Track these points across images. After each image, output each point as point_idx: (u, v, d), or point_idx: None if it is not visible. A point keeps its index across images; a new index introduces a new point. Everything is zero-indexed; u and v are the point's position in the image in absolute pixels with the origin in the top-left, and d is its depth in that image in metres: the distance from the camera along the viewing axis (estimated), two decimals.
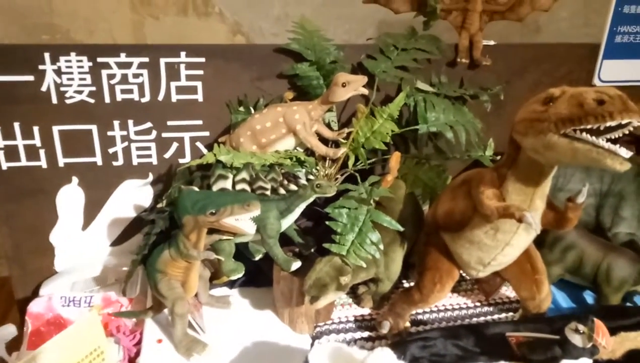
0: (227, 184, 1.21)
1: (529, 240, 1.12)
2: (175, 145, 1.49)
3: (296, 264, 1.21)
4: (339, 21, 2.09)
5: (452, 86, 1.61)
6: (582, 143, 0.90)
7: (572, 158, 0.93)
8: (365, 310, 1.35)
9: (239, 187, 1.21)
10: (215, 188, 1.20)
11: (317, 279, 1.11)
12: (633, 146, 0.96)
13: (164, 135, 1.47)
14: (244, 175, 1.21)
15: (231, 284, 1.42)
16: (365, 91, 1.31)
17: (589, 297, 1.41)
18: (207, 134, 1.50)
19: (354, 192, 1.22)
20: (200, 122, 1.48)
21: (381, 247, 1.16)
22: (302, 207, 1.25)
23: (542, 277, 1.21)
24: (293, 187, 1.23)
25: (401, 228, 1.19)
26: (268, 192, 1.22)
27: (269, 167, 1.27)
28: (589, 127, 0.89)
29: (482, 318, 1.34)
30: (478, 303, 1.39)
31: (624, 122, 0.87)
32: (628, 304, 1.35)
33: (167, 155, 1.49)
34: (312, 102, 1.33)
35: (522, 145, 1.02)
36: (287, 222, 1.26)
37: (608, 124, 0.87)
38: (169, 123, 1.46)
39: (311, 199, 1.24)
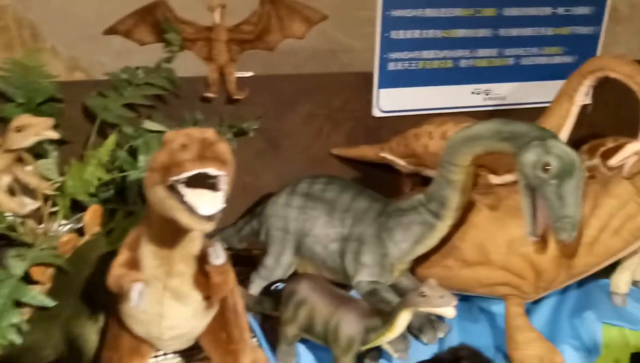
0: None
1: (189, 310, 0.95)
2: None
3: None
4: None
5: (210, 123, 1.46)
6: (174, 196, 0.76)
7: (164, 213, 0.78)
8: None
9: None
10: None
11: None
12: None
13: None
14: None
15: None
16: (54, 135, 1.14)
17: None
18: None
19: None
20: None
21: (23, 328, 0.97)
22: None
23: (238, 347, 1.04)
24: None
25: (50, 304, 1.00)
26: None
27: None
28: (176, 178, 0.75)
29: None
30: None
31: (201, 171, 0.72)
32: None
33: None
34: None
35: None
36: None
37: (184, 175, 0.73)
38: None
39: None
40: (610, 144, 1.47)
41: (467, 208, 1.30)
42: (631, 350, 1.36)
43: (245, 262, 1.46)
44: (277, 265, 1.36)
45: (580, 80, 1.23)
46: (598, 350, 1.32)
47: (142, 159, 1.25)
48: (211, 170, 0.73)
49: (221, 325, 1.04)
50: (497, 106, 1.70)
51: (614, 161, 1.19)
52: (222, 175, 0.75)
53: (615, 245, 1.22)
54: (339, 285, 1.29)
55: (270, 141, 1.57)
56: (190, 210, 0.74)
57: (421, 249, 1.25)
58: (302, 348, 1.28)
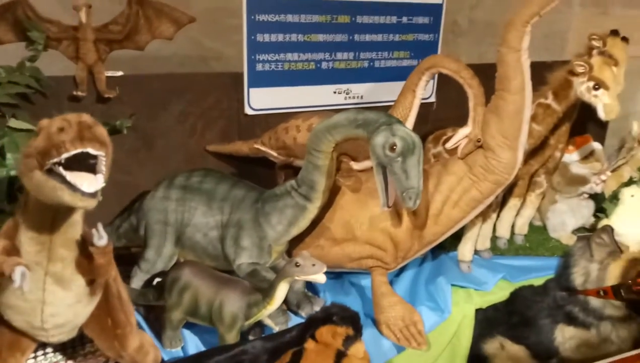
0: None
1: (71, 295, 0.97)
2: None
3: None
4: None
5: None
6: (54, 178, 0.79)
7: (44, 197, 0.80)
8: None
9: None
10: None
11: None
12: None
13: None
14: None
15: None
16: None
17: None
18: None
19: None
20: None
21: None
22: None
23: (124, 330, 1.07)
24: None
25: None
26: None
27: None
28: (56, 160, 0.78)
29: None
30: None
31: (81, 151, 0.77)
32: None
33: None
34: None
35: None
36: None
37: (64, 156, 0.77)
38: None
39: None
40: (450, 133, 1.71)
41: (334, 192, 1.45)
42: (475, 306, 1.61)
43: (125, 261, 1.46)
44: (158, 257, 1.39)
45: (419, 76, 1.43)
46: (449, 309, 1.53)
47: (10, 157, 1.21)
48: (91, 150, 0.77)
49: (106, 311, 1.05)
50: (356, 104, 1.88)
51: (449, 144, 1.41)
52: (102, 155, 0.79)
53: (456, 215, 1.44)
54: (222, 271, 1.36)
55: (144, 140, 1.59)
56: (73, 187, 0.77)
57: (295, 230, 1.37)
58: (187, 333, 1.33)
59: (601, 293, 1.39)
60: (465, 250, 1.70)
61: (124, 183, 1.56)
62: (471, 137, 1.37)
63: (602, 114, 1.47)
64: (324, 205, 1.41)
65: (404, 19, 1.86)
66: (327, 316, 1.04)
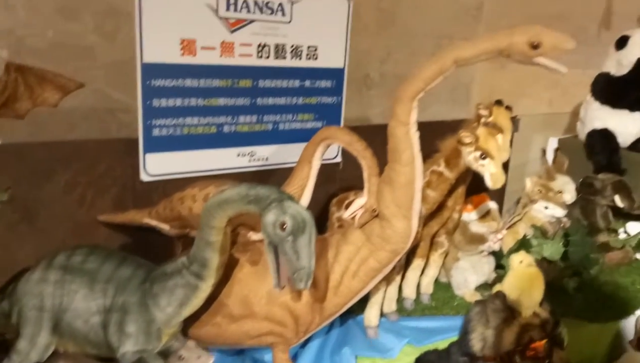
0: None
1: None
2: None
3: None
4: None
5: None
6: None
7: None
8: None
9: None
10: None
11: None
12: None
13: None
14: None
15: None
16: None
17: None
18: None
19: None
20: None
21: None
22: None
23: None
24: None
25: None
26: None
27: None
28: None
29: None
30: None
31: None
32: None
33: None
34: None
35: None
36: None
37: None
38: None
39: None
40: (352, 197, 1.71)
41: (231, 266, 1.39)
42: None
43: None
44: (32, 347, 1.26)
45: (315, 147, 1.43)
46: None
47: None
48: None
49: None
50: (261, 166, 1.86)
51: (345, 215, 1.40)
52: None
53: (355, 286, 1.42)
54: (104, 360, 1.26)
55: (25, 212, 1.47)
56: None
57: (187, 311, 1.29)
58: None
59: (497, 359, 1.41)
60: (371, 315, 1.69)
61: (1, 263, 1.43)
62: (367, 207, 1.38)
63: (489, 183, 1.54)
64: (221, 280, 1.35)
65: (307, 83, 1.87)
66: None
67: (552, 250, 1.98)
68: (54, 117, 1.47)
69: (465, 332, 1.52)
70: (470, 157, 1.55)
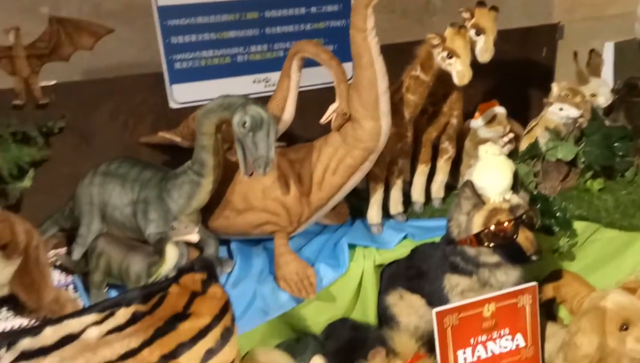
0: None
1: None
2: None
3: None
4: None
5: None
6: None
7: None
8: None
9: None
10: None
11: None
12: None
13: None
14: None
15: None
16: None
17: None
18: None
19: None
20: None
21: None
22: None
23: (39, 286, 1.34)
24: None
25: None
26: None
27: None
28: None
29: None
30: None
31: None
32: None
33: None
34: None
35: None
36: None
37: None
38: None
39: None
40: None
41: (233, 169, 1.68)
42: (376, 263, 1.79)
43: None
44: (89, 232, 1.67)
45: (290, 62, 1.63)
46: (346, 265, 1.73)
47: None
48: None
49: (25, 271, 1.33)
50: None
51: (322, 120, 1.61)
52: None
53: (336, 181, 1.64)
54: (139, 241, 1.62)
55: (82, 137, 1.87)
56: None
57: (196, 203, 1.61)
58: (114, 293, 1.60)
59: (468, 241, 1.56)
60: (372, 214, 1.89)
61: (69, 175, 1.83)
62: (338, 112, 1.57)
63: (456, 80, 1.62)
64: (226, 180, 1.65)
65: (313, 9, 2.05)
66: (190, 266, 1.27)
67: (566, 151, 2.00)
68: (95, 57, 1.83)
69: (447, 221, 1.68)
70: (439, 57, 1.64)
